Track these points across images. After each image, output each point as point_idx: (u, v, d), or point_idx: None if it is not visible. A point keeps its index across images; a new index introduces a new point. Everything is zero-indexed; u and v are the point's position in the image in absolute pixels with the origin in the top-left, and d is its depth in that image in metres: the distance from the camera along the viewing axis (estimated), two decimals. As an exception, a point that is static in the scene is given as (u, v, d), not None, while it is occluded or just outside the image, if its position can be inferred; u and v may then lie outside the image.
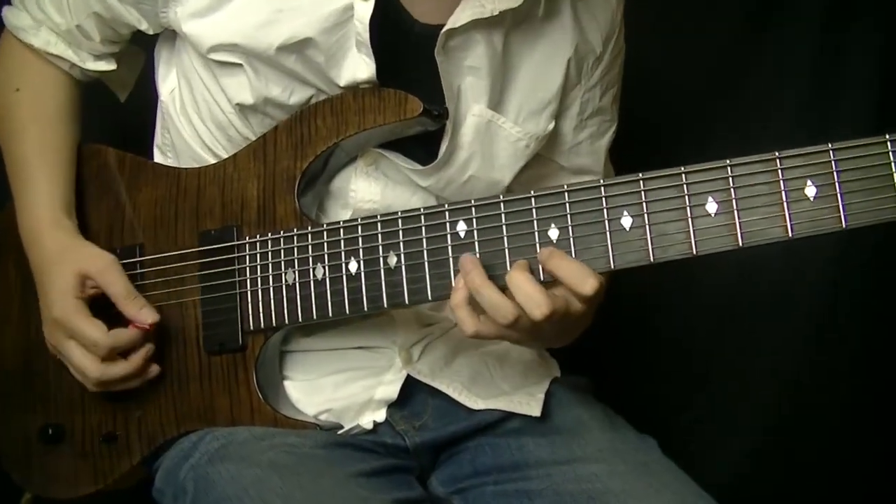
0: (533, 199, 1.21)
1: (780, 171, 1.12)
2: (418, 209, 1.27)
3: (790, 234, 1.12)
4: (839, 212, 1.10)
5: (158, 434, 1.41)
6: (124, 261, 1.42)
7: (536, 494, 1.38)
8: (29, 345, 1.50)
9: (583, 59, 1.44)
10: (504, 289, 1.17)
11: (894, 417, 2.24)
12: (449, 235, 1.24)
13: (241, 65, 1.34)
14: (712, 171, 1.14)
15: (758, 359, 2.24)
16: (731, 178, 1.14)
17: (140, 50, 1.57)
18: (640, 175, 1.17)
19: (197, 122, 1.44)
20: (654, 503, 1.33)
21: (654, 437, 1.46)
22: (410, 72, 1.35)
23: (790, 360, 2.24)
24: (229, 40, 1.33)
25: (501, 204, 1.22)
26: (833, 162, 1.10)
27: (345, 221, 1.31)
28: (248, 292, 1.36)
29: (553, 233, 1.20)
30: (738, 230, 1.13)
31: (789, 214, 1.11)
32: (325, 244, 1.31)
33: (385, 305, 1.28)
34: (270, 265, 1.35)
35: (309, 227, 1.33)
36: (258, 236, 1.36)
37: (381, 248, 1.28)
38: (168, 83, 1.48)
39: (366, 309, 1.29)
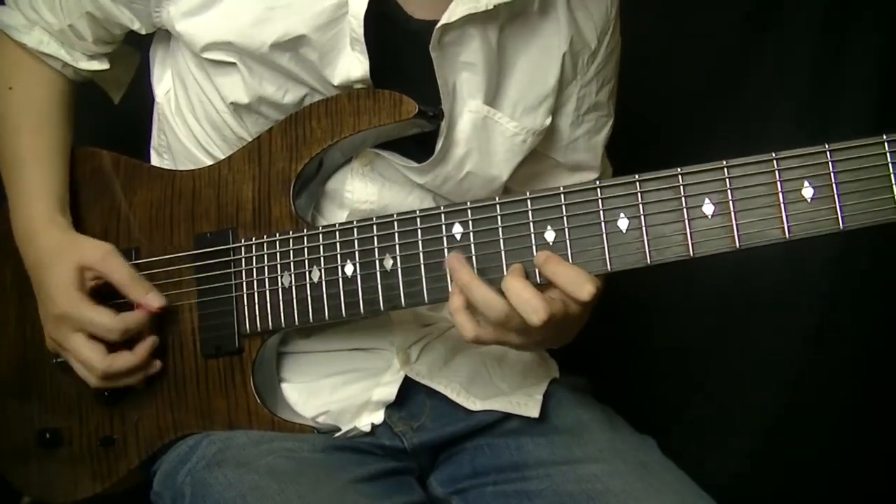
0: (529, 201, 1.20)
1: (777, 171, 1.11)
2: (414, 211, 1.26)
3: (787, 236, 1.11)
4: (836, 213, 1.09)
5: (156, 438, 1.41)
6: (120, 264, 1.42)
7: (536, 495, 1.37)
8: (26, 349, 1.50)
9: (578, 54, 1.43)
10: (501, 293, 1.17)
11: (894, 417, 2.24)
12: (445, 238, 1.24)
13: (234, 64, 1.34)
14: (709, 173, 1.14)
15: (757, 359, 2.24)
16: (727, 180, 1.13)
17: (135, 50, 1.57)
18: (637, 176, 1.16)
19: (192, 122, 1.44)
20: (655, 503, 1.32)
21: (654, 437, 1.46)
22: (405, 68, 1.35)
23: (790, 361, 2.24)
24: (223, 38, 1.32)
25: (497, 206, 1.21)
26: (830, 163, 1.09)
27: (340, 224, 1.31)
28: (245, 295, 1.35)
29: (549, 235, 1.19)
30: (736, 232, 1.13)
31: (786, 216, 1.11)
32: (321, 247, 1.31)
33: (382, 308, 1.28)
34: (266, 268, 1.35)
35: (304, 230, 1.33)
36: (254, 239, 1.36)
37: (376, 250, 1.28)
38: (163, 84, 1.48)
39: (363, 312, 1.29)
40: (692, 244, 1.14)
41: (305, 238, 1.32)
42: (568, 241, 1.18)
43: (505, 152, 1.41)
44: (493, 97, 1.38)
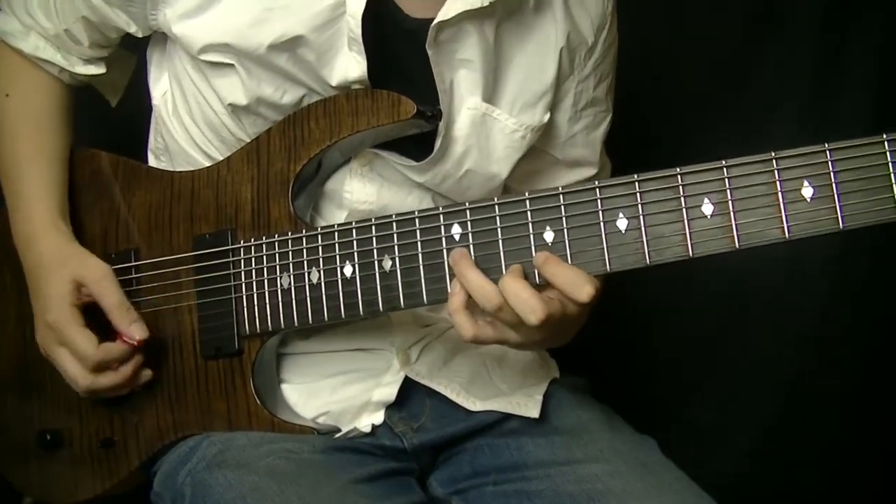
0: (528, 202, 1.20)
1: (776, 171, 1.11)
2: (413, 212, 1.26)
3: (787, 236, 1.11)
4: (836, 213, 1.09)
5: (156, 439, 1.41)
6: (119, 265, 1.42)
7: (536, 495, 1.37)
8: (26, 349, 1.49)
9: (575, 49, 1.43)
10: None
11: (894, 417, 2.23)
12: (444, 238, 1.24)
13: (232, 65, 1.34)
14: (708, 172, 1.13)
15: (757, 359, 2.24)
16: (727, 179, 1.13)
17: (131, 54, 1.57)
18: (636, 176, 1.16)
19: (189, 124, 1.43)
20: (655, 503, 1.32)
21: (653, 437, 1.46)
22: (403, 68, 1.35)
23: (789, 360, 2.24)
24: (220, 40, 1.32)
25: (496, 206, 1.21)
26: (830, 162, 1.09)
27: (339, 225, 1.31)
28: (244, 296, 1.35)
29: (548, 235, 1.19)
30: (735, 232, 1.12)
31: (786, 216, 1.10)
32: (320, 248, 1.31)
33: (381, 309, 1.28)
34: (266, 269, 1.34)
35: (303, 231, 1.33)
36: (253, 240, 1.36)
37: (375, 251, 1.27)
38: (160, 86, 1.48)
39: (362, 313, 1.28)
40: (691, 244, 1.14)
41: (304, 239, 1.32)
42: (567, 242, 1.18)
43: (504, 149, 1.41)
44: (490, 94, 1.38)
